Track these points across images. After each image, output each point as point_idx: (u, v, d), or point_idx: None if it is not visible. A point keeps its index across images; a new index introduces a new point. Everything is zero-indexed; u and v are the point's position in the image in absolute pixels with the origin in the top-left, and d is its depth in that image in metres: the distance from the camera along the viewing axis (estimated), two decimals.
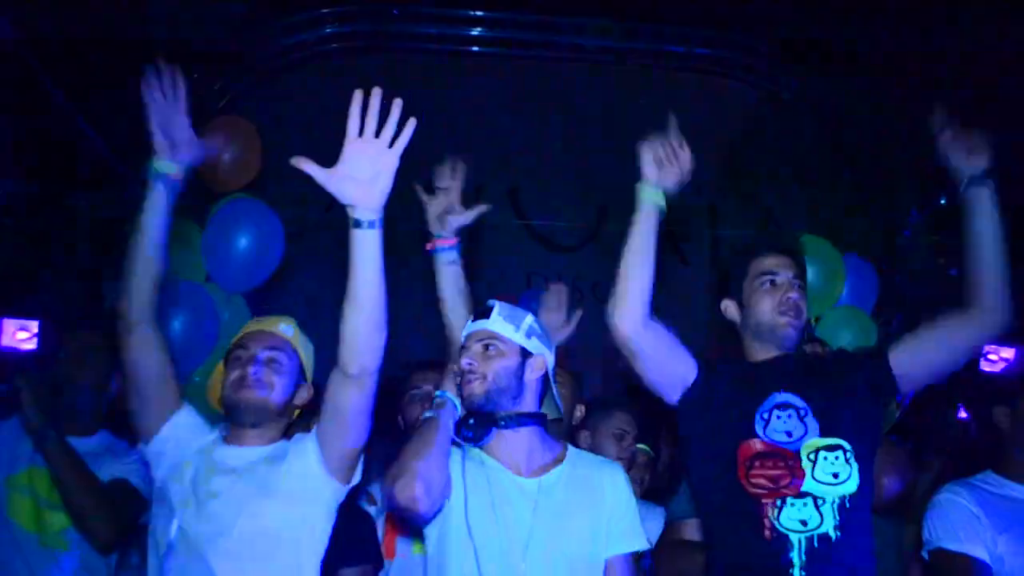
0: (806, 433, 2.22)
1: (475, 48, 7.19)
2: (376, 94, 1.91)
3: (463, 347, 2.33)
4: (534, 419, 2.30)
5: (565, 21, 6.92)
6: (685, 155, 2.32)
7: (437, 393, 2.35)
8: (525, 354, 2.30)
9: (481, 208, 2.71)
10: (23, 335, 5.52)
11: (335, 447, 2.24)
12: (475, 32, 7.14)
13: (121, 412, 2.56)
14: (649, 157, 2.30)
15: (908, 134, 5.80)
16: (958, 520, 2.43)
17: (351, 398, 2.16)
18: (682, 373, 2.35)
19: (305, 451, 2.28)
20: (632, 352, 2.29)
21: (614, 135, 6.94)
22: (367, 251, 1.99)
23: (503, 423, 2.25)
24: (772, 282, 2.39)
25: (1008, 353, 5.70)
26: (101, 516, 2.68)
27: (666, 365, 2.34)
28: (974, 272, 2.22)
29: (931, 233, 5.91)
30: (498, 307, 2.34)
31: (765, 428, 2.25)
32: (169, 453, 2.30)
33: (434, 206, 2.66)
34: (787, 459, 2.19)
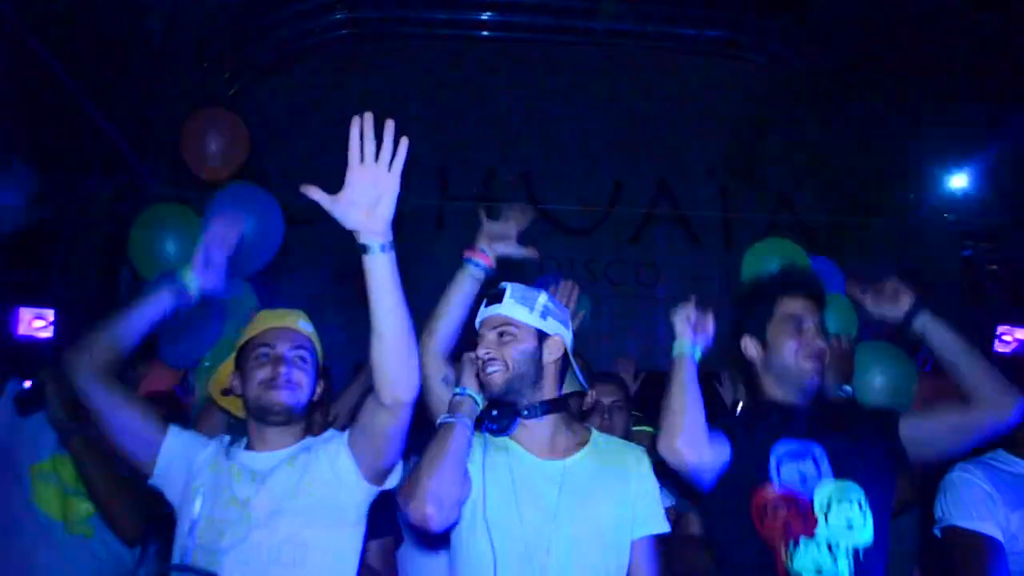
0: (820, 478, 2.22)
1: (485, 33, 7.17)
2: (369, 119, 1.85)
3: (477, 335, 2.32)
4: (557, 405, 2.29)
5: (576, 5, 6.89)
6: (711, 323, 2.35)
7: (456, 391, 2.29)
8: (542, 336, 2.27)
9: (532, 252, 2.65)
10: (39, 323, 5.56)
11: (369, 462, 2.19)
12: (485, 16, 7.11)
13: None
14: (683, 320, 2.33)
15: (919, 113, 5.78)
16: (971, 498, 2.44)
17: (385, 426, 2.11)
18: (721, 462, 2.32)
19: (337, 455, 2.22)
20: (689, 473, 2.26)
21: (626, 118, 6.96)
22: (380, 276, 1.92)
23: (527, 413, 2.24)
24: (799, 328, 2.40)
25: (1022, 334, 5.69)
26: (125, 509, 2.70)
27: (712, 470, 2.30)
28: (959, 381, 2.29)
29: (945, 212, 5.89)
30: (510, 289, 2.31)
31: (779, 472, 2.24)
32: (174, 478, 2.24)
33: (491, 228, 2.61)
34: (800, 505, 2.20)
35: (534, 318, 2.27)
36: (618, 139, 6.96)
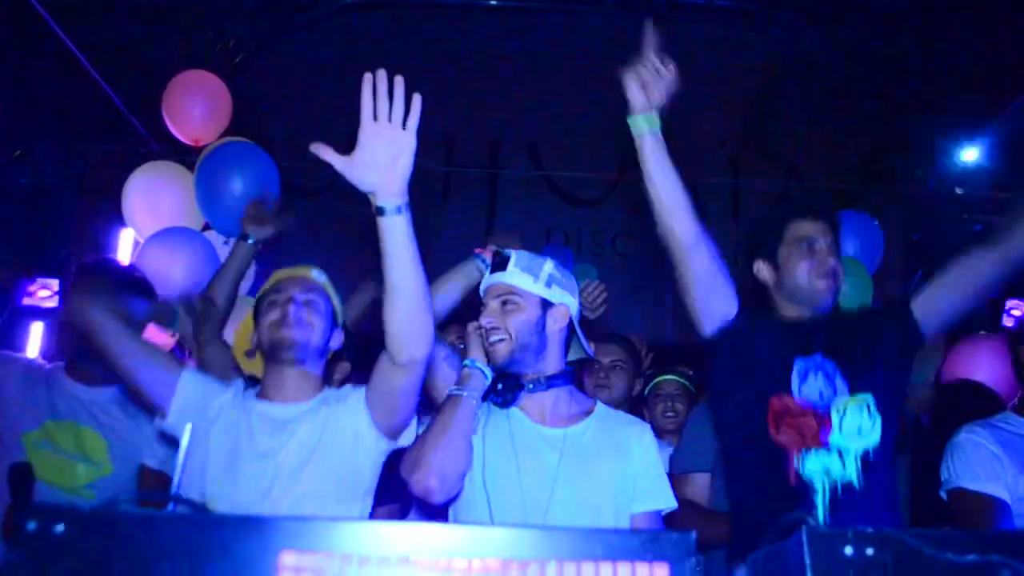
0: (835, 394, 2.26)
1: (492, 2, 7.11)
2: (382, 77, 1.83)
3: (482, 303, 2.32)
4: (562, 378, 2.31)
5: None
6: (669, 68, 2.28)
7: (465, 362, 2.29)
8: (546, 305, 2.27)
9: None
10: (45, 293, 5.58)
11: (385, 420, 2.23)
12: None
13: None
14: (633, 85, 2.28)
15: (931, 83, 5.74)
16: (978, 460, 2.45)
17: (400, 383, 2.14)
18: (724, 305, 2.39)
19: (355, 413, 2.24)
20: (685, 270, 2.31)
21: None
22: (396, 238, 1.90)
23: (532, 387, 2.25)
24: (810, 247, 2.43)
25: None
26: None
27: (711, 291, 2.37)
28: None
29: (955, 185, 5.86)
30: (515, 257, 2.30)
31: (800, 388, 2.28)
32: (192, 418, 2.17)
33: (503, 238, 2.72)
34: (817, 416, 2.23)
35: (539, 287, 2.27)
36: (626, 109, 6.92)
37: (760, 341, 2.38)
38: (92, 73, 5.23)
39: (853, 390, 2.27)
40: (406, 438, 2.28)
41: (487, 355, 2.28)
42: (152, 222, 4.09)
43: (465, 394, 2.19)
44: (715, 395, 2.54)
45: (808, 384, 2.28)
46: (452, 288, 2.58)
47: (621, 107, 7.19)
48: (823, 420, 2.24)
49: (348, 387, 2.36)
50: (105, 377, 2.93)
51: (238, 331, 2.49)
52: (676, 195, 2.28)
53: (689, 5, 6.81)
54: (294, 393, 2.29)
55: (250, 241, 3.05)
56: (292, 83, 6.53)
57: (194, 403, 2.25)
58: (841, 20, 6.18)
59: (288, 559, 0.97)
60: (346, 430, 2.23)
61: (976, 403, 3.23)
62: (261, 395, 2.33)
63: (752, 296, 2.58)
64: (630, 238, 6.79)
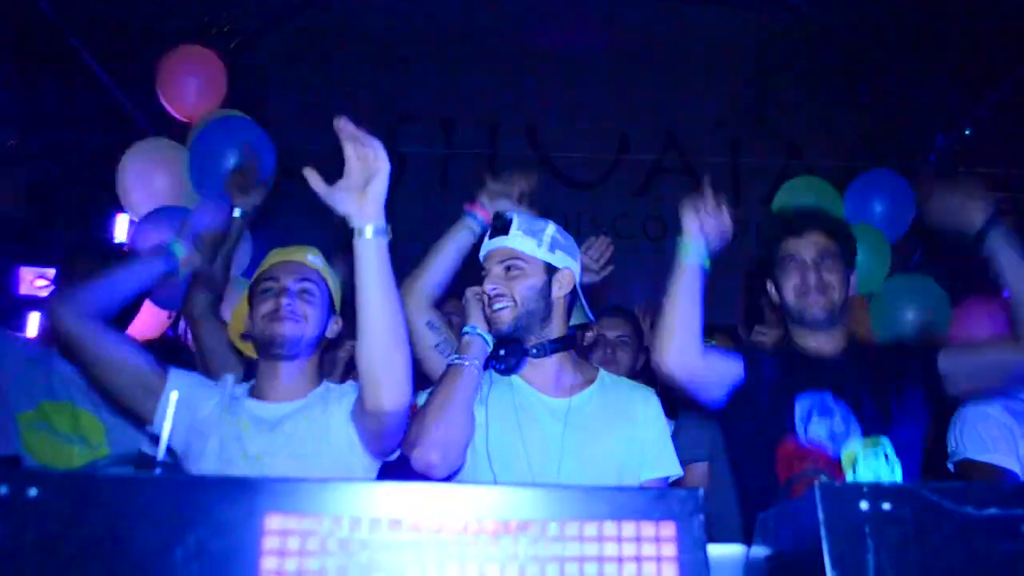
0: (847, 434, 2.18)
1: None
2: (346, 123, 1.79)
3: (482, 268, 2.25)
4: (565, 343, 2.25)
5: None
6: (726, 214, 2.24)
7: (465, 330, 2.23)
8: (550, 270, 2.22)
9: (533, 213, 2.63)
10: (42, 283, 5.53)
11: (369, 441, 2.13)
12: None
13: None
14: (691, 213, 2.23)
15: (933, 57, 5.67)
16: (987, 431, 2.40)
17: (376, 425, 2.03)
18: (728, 380, 2.33)
19: (342, 424, 2.16)
20: (679, 382, 2.25)
21: (633, 69, 6.84)
22: (369, 261, 1.82)
23: (536, 352, 2.20)
24: (798, 265, 2.38)
25: None
26: None
27: (715, 385, 2.32)
28: (1015, 308, 2.17)
29: (957, 161, 5.80)
30: (516, 220, 2.23)
31: (806, 428, 2.21)
32: (177, 427, 2.10)
33: (493, 185, 2.62)
34: (827, 463, 2.17)
35: (543, 251, 2.22)
36: (625, 91, 6.85)
37: (766, 380, 2.32)
38: (88, 60, 5.18)
39: (867, 431, 2.19)
40: (396, 454, 2.20)
41: (489, 322, 2.22)
42: (147, 201, 4.02)
43: (466, 363, 2.13)
44: (730, 444, 2.51)
45: (815, 424, 2.22)
46: (446, 256, 2.54)
47: (620, 90, 7.08)
48: (834, 465, 2.17)
49: (349, 384, 2.28)
50: None
51: (235, 312, 2.42)
52: (696, 323, 2.21)
53: None
54: (287, 390, 2.23)
55: (237, 213, 2.99)
56: (287, 66, 6.46)
57: (182, 408, 2.15)
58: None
59: (274, 522, 0.92)
60: (340, 436, 2.16)
61: None
62: (254, 392, 2.27)
63: (774, 317, 2.55)
64: (629, 221, 6.72)
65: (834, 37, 6.09)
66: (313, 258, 2.32)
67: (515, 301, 2.18)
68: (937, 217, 2.30)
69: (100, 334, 2.15)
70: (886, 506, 0.95)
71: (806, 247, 2.39)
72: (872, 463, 2.16)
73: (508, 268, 2.20)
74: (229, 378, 2.29)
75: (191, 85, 4.38)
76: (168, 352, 3.46)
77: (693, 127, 6.71)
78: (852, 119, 6.03)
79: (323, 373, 2.36)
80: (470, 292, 2.28)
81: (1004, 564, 0.93)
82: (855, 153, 5.60)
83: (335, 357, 3.06)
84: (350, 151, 1.80)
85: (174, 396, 1.31)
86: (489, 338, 2.21)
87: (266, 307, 2.21)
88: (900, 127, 5.91)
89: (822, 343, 2.37)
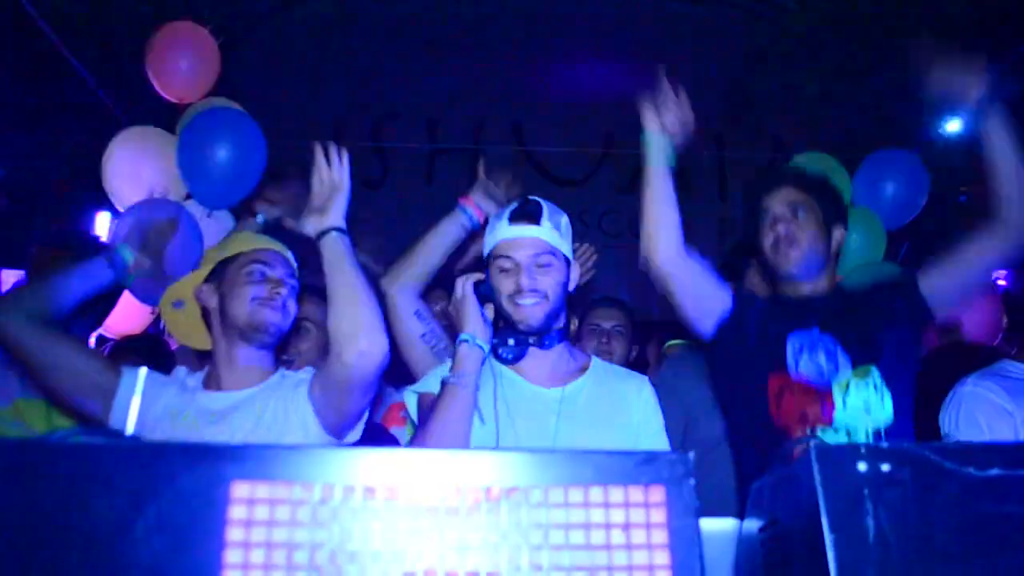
0: (837, 370, 2.17)
1: None
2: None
3: (504, 257, 2.11)
4: (564, 332, 2.19)
5: None
6: (686, 104, 2.29)
7: (463, 337, 2.08)
8: (568, 263, 2.16)
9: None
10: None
11: (328, 414, 2.11)
12: None
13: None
14: (648, 109, 2.28)
15: (915, 58, 5.67)
16: (983, 413, 2.34)
17: (344, 377, 2.04)
18: (717, 304, 2.36)
19: (298, 406, 2.13)
20: (668, 286, 2.30)
21: (618, 67, 6.82)
22: (336, 255, 2.09)
23: (547, 343, 2.13)
24: (771, 220, 2.41)
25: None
26: None
27: (702, 298, 2.35)
28: (997, 190, 2.19)
29: (940, 156, 5.80)
30: (546, 210, 2.13)
31: (797, 365, 2.20)
32: (138, 427, 2.07)
33: (487, 185, 2.63)
34: (818, 394, 2.16)
35: (565, 244, 2.15)
36: (610, 88, 6.82)
37: (756, 321, 2.33)
38: (68, 57, 5.10)
39: (856, 364, 2.18)
40: (352, 437, 2.18)
41: (506, 315, 2.11)
42: (134, 191, 3.91)
43: (461, 387, 2.02)
44: (717, 380, 2.53)
45: (805, 360, 2.20)
46: (436, 250, 2.53)
47: (605, 88, 7.07)
48: (826, 398, 2.15)
49: (304, 372, 2.25)
50: None
51: (186, 280, 2.32)
52: (669, 213, 2.28)
53: None
54: (244, 376, 2.18)
55: (259, 219, 2.98)
56: (270, 67, 6.41)
57: (139, 404, 2.07)
58: None
59: (240, 490, 0.87)
60: (294, 422, 2.11)
61: (972, 364, 3.12)
62: (208, 380, 2.22)
63: (766, 274, 2.59)
64: (616, 218, 6.70)
65: (818, 31, 6.09)
66: (291, 256, 2.31)
67: (547, 297, 2.09)
68: (936, 86, 2.30)
69: (45, 339, 2.07)
70: (885, 467, 0.90)
71: (778, 202, 2.42)
72: (862, 392, 2.14)
73: (541, 263, 2.10)
74: (181, 370, 2.24)
75: (182, 64, 4.25)
76: (148, 349, 3.39)
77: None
78: (837, 112, 6.02)
79: (277, 362, 2.32)
80: (466, 288, 2.14)
81: (1008, 525, 0.89)
82: (840, 147, 5.57)
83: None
84: (319, 177, 2.16)
85: (143, 372, 1.25)
86: (486, 345, 2.10)
87: (259, 291, 2.17)
88: (885, 120, 5.90)
89: (807, 291, 2.39)
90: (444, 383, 2.04)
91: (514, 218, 2.13)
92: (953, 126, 5.84)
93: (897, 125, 5.99)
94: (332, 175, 2.15)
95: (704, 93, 6.57)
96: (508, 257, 2.10)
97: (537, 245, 2.10)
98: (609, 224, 6.67)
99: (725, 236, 6.47)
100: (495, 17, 6.83)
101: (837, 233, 2.44)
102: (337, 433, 2.14)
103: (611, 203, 6.72)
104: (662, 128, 2.26)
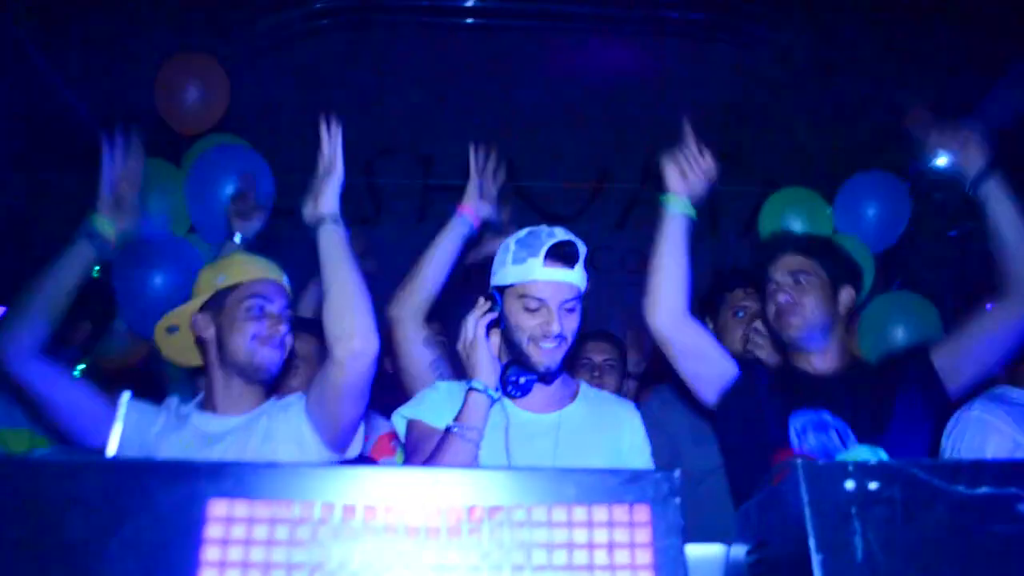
0: (843, 448, 2.12)
1: (469, 20, 7.07)
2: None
3: (533, 297, 2.05)
4: (562, 365, 2.18)
5: None
6: (708, 160, 2.28)
7: (475, 386, 2.05)
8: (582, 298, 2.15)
9: (507, 210, 2.82)
10: None
11: (325, 424, 2.10)
12: (469, 3, 7.02)
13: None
14: (673, 170, 2.26)
15: (904, 93, 5.73)
16: (994, 444, 2.27)
17: (336, 381, 2.03)
18: (720, 372, 2.31)
19: (296, 423, 2.12)
20: (669, 348, 2.26)
21: (610, 103, 6.88)
22: (331, 246, 2.09)
23: (552, 378, 2.14)
24: (773, 288, 2.39)
25: None
26: None
27: (703, 363, 2.30)
28: (1001, 262, 2.14)
29: (931, 188, 5.84)
30: (581, 253, 2.10)
31: (801, 444, 2.16)
32: (132, 450, 2.06)
33: (475, 187, 2.72)
34: None
35: (584, 282, 2.14)
36: (603, 124, 6.89)
37: (762, 394, 2.29)
38: (73, 104, 5.11)
39: (864, 444, 2.10)
40: (354, 450, 2.16)
41: (519, 354, 2.09)
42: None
43: (466, 441, 1.98)
44: (723, 448, 2.47)
45: (810, 439, 2.17)
46: (438, 265, 2.51)
47: (598, 124, 7.12)
48: None
49: (294, 396, 2.23)
50: None
51: (182, 310, 2.30)
52: (681, 278, 2.25)
53: (662, 19, 6.81)
54: (240, 402, 2.18)
55: (237, 240, 2.95)
56: (265, 104, 6.44)
57: (132, 437, 2.08)
58: (813, 30, 6.20)
59: (217, 508, 0.85)
60: (287, 440, 2.09)
61: None
62: (204, 404, 2.21)
63: (773, 343, 2.60)
64: (608, 254, 6.71)
65: (809, 68, 6.15)
66: (286, 280, 2.30)
67: (567, 340, 2.08)
68: (934, 146, 2.29)
69: (46, 377, 2.06)
70: (873, 485, 0.89)
71: (779, 271, 2.39)
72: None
73: (570, 309, 2.08)
74: (173, 399, 2.23)
75: (191, 96, 4.25)
76: (141, 379, 3.37)
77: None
78: (828, 149, 6.06)
79: (270, 390, 2.30)
80: (479, 330, 2.11)
81: (998, 544, 0.87)
82: (832, 182, 5.60)
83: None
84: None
85: (125, 397, 1.24)
86: (497, 395, 2.07)
87: (258, 329, 2.15)
88: (875, 153, 5.95)
89: (815, 362, 2.33)
90: (449, 431, 2.01)
91: (550, 258, 2.06)
92: (943, 160, 5.88)
93: (886, 162, 6.04)
94: (324, 154, 2.16)
95: (696, 129, 6.67)
96: (539, 299, 2.06)
97: (569, 290, 2.07)
98: (601, 260, 6.67)
99: (717, 267, 6.48)
100: (488, 53, 6.90)
101: (844, 294, 2.39)
102: (338, 446, 2.12)
103: (603, 239, 6.73)
104: (686, 187, 2.25)
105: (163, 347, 2.33)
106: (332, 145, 2.17)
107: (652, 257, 2.26)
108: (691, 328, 2.26)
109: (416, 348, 2.45)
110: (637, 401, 3.56)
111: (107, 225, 2.24)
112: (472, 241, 2.65)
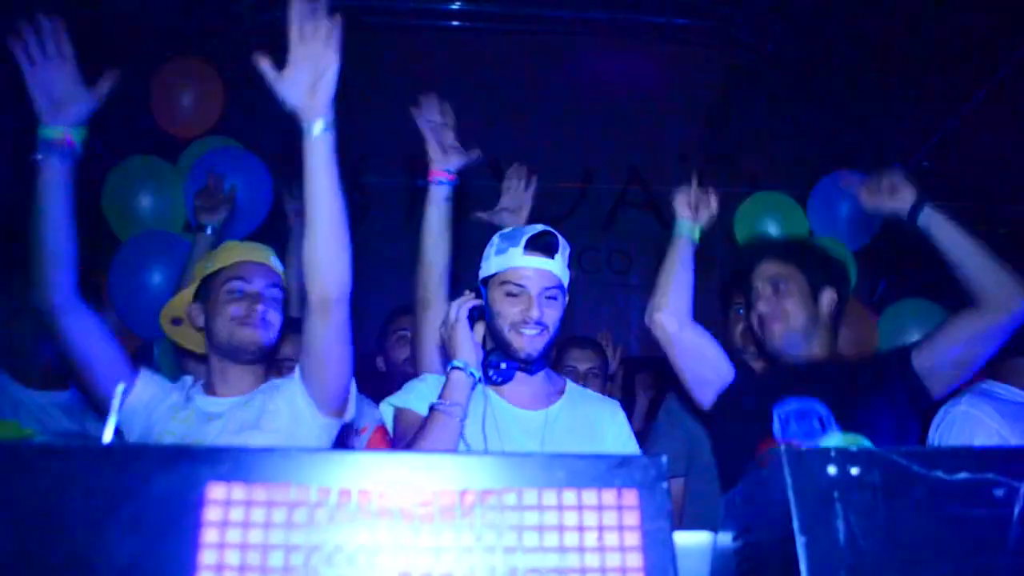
0: (825, 432, 2.14)
1: (455, 23, 7.09)
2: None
3: (514, 284, 2.10)
4: (547, 358, 2.24)
5: None
6: (713, 198, 2.51)
7: (456, 364, 2.06)
8: (566, 294, 2.18)
9: (476, 152, 2.73)
10: None
11: (317, 385, 2.10)
12: (455, 7, 7.03)
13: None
14: (683, 203, 2.49)
15: (887, 97, 5.80)
16: (982, 440, 2.29)
17: (319, 331, 2.00)
18: (718, 376, 2.41)
19: (291, 392, 2.14)
20: (671, 350, 2.40)
21: (595, 106, 6.91)
22: (318, 158, 1.89)
23: (535, 368, 2.17)
24: (753, 296, 2.48)
25: None
26: None
27: (703, 364, 2.40)
28: (967, 283, 2.19)
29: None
30: (562, 244, 2.15)
31: (784, 431, 2.20)
32: (133, 425, 2.16)
33: (432, 138, 2.63)
34: None
35: (567, 277, 2.18)
36: (588, 127, 6.91)
37: (752, 395, 2.36)
38: None
39: (846, 431, 2.16)
40: (350, 412, 2.19)
41: (500, 342, 2.13)
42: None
43: (449, 416, 2.01)
44: (716, 450, 2.56)
45: (792, 426, 2.21)
46: (439, 241, 2.47)
47: (583, 127, 7.11)
48: None
49: (285, 377, 2.27)
50: (48, 381, 2.84)
51: (177, 298, 2.34)
52: (687, 285, 2.42)
53: (648, 24, 6.85)
54: (237, 386, 2.22)
55: (208, 231, 2.97)
56: (257, 100, 6.42)
57: (141, 409, 2.16)
58: (797, 35, 6.25)
59: (215, 492, 0.87)
60: (281, 412, 2.13)
61: None
62: (207, 388, 2.27)
63: (759, 350, 2.66)
64: (595, 255, 6.74)
65: (793, 72, 6.20)
66: (276, 262, 2.32)
67: (548, 329, 2.12)
68: (870, 207, 2.37)
69: (86, 327, 2.08)
70: (854, 471, 0.92)
71: (759, 279, 2.47)
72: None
73: (550, 298, 2.12)
74: (188, 379, 2.29)
75: (186, 100, 4.25)
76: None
77: (655, 161, 6.76)
78: (813, 150, 6.11)
79: (269, 372, 2.33)
80: (460, 312, 2.13)
81: (977, 529, 0.90)
82: (816, 183, 5.66)
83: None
84: (299, 50, 1.84)
85: (119, 388, 1.25)
86: (478, 371, 2.10)
87: (237, 310, 2.18)
88: (859, 157, 6.00)
89: (794, 356, 2.41)
90: (432, 408, 2.03)
91: (530, 247, 2.12)
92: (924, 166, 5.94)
93: (870, 165, 6.09)
94: (317, 39, 1.86)
95: (680, 131, 6.71)
96: (519, 285, 2.11)
97: (549, 278, 2.12)
98: (587, 261, 6.70)
99: (700, 271, 6.53)
100: (473, 55, 6.92)
101: (826, 297, 2.43)
102: (332, 407, 2.13)
103: (589, 240, 6.76)
104: (694, 217, 2.47)
105: (177, 339, 2.38)
106: (323, 26, 1.87)
107: (661, 269, 2.43)
108: (694, 329, 2.39)
109: (433, 344, 2.42)
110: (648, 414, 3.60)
111: (57, 130, 2.02)
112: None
